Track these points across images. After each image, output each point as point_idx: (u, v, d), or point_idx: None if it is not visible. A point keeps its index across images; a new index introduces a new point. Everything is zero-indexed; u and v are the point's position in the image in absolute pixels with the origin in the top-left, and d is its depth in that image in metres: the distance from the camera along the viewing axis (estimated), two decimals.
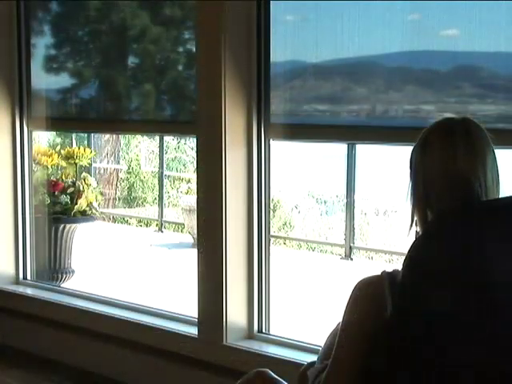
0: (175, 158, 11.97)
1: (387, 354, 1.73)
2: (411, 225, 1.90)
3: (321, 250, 9.57)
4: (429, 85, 3.18)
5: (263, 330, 3.65)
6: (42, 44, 4.62)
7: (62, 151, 6.13)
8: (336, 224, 9.77)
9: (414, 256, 1.73)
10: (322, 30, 3.38)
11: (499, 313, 1.68)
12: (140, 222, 11.44)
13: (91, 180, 6.11)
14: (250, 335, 3.64)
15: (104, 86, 4.45)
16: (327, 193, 10.43)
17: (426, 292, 1.69)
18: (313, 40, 3.40)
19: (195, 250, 3.70)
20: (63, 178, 5.94)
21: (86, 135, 10.71)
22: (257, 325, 3.64)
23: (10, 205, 4.60)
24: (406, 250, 1.75)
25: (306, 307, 6.36)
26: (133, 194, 12.03)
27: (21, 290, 4.61)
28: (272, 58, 3.51)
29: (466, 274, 1.68)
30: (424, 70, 3.21)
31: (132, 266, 8.01)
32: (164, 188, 10.91)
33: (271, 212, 3.79)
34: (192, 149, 10.93)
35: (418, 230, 1.89)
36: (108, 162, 12.13)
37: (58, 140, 10.81)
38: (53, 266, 5.76)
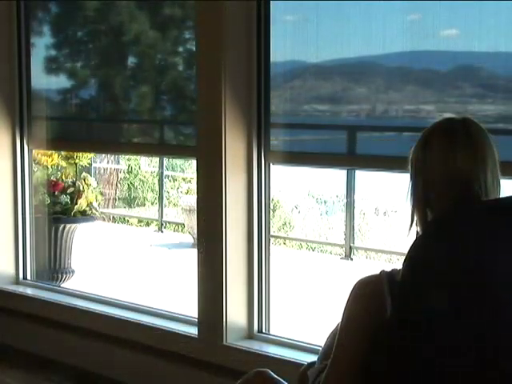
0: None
1: (387, 354, 1.74)
2: (411, 225, 1.90)
3: (321, 250, 9.56)
4: (429, 85, 3.18)
5: (263, 330, 3.65)
6: (41, 44, 4.62)
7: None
8: (336, 224, 9.77)
9: (413, 256, 1.73)
10: (321, 30, 3.38)
11: (499, 312, 1.68)
12: (140, 221, 11.44)
13: (91, 180, 6.11)
14: (249, 335, 3.64)
15: (103, 86, 4.45)
16: (327, 193, 10.43)
17: (426, 292, 1.69)
18: (313, 40, 3.40)
19: (195, 250, 3.70)
20: (63, 178, 5.94)
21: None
22: (257, 325, 3.64)
23: (10, 205, 4.60)
24: (405, 249, 1.75)
25: (305, 307, 6.36)
26: (133, 194, 12.03)
27: (21, 290, 4.61)
28: (272, 58, 3.51)
29: (466, 273, 1.68)
30: (424, 69, 3.21)
31: (132, 266, 8.01)
32: (164, 188, 10.91)
33: (271, 212, 3.79)
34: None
35: (418, 230, 1.89)
36: (108, 161, 12.13)
37: None
38: (53, 266, 5.76)
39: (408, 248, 1.75)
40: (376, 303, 1.76)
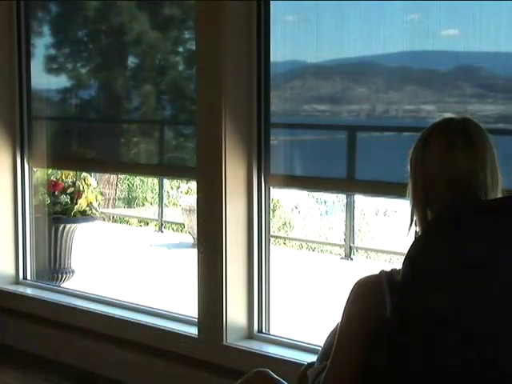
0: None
1: (387, 353, 1.73)
2: (411, 225, 1.90)
3: (321, 250, 9.56)
4: (429, 85, 3.18)
5: (263, 330, 3.65)
6: (41, 44, 4.62)
7: None
8: (336, 224, 9.77)
9: (413, 255, 1.73)
10: (322, 30, 3.38)
11: (499, 312, 1.68)
12: (140, 222, 11.44)
13: (91, 180, 6.11)
14: (249, 335, 3.64)
15: (103, 87, 4.45)
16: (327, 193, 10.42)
17: (426, 291, 1.69)
18: (313, 40, 3.40)
19: (195, 250, 3.70)
20: (63, 178, 5.94)
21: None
22: (257, 325, 3.64)
23: (10, 205, 4.60)
24: (405, 249, 1.75)
25: (305, 307, 6.36)
26: (133, 194, 12.03)
27: (21, 289, 4.61)
28: (272, 58, 3.51)
29: (466, 273, 1.68)
30: (424, 70, 3.21)
31: (132, 265, 8.01)
32: (164, 188, 10.91)
33: (271, 212, 3.80)
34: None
35: (418, 230, 1.89)
36: None
37: None
38: (53, 266, 5.76)
39: (408, 248, 1.75)
40: (376, 303, 1.76)
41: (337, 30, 3.32)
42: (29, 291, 4.59)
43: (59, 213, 5.78)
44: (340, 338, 1.83)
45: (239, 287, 3.60)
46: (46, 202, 5.55)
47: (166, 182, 11.25)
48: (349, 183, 3.45)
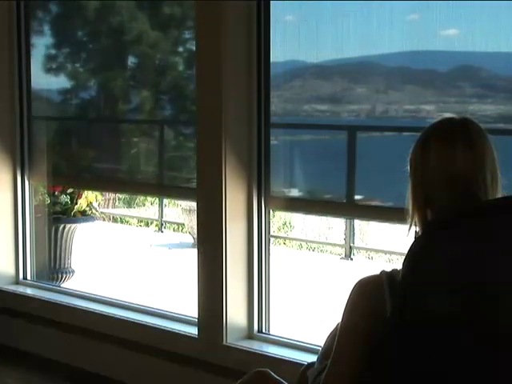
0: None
1: (386, 354, 1.73)
2: (411, 225, 1.90)
3: (321, 250, 9.57)
4: (429, 85, 3.18)
5: (263, 330, 3.65)
6: (41, 44, 4.62)
7: None
8: (336, 224, 9.77)
9: (413, 256, 1.73)
10: (322, 30, 3.38)
11: (499, 312, 1.68)
12: (140, 221, 11.44)
13: None
14: (249, 335, 3.64)
15: (103, 87, 4.45)
16: None
17: (426, 292, 1.69)
18: (313, 40, 3.40)
19: (195, 250, 3.70)
20: None
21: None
22: (257, 325, 3.64)
23: (10, 205, 4.60)
24: (405, 249, 1.75)
25: (305, 307, 6.36)
26: None
27: (21, 289, 4.60)
28: (272, 58, 3.51)
29: (466, 273, 1.68)
30: (424, 70, 3.21)
31: (132, 265, 8.01)
32: None
33: (271, 212, 3.80)
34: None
35: (418, 230, 1.89)
36: None
37: None
38: (53, 266, 5.77)
39: (408, 248, 1.75)
40: (376, 303, 1.76)
41: (337, 30, 3.32)
42: (29, 291, 4.59)
43: (59, 213, 5.78)
44: (340, 338, 1.83)
45: (239, 287, 3.60)
46: (46, 202, 5.55)
47: None
48: (349, 207, 3.47)
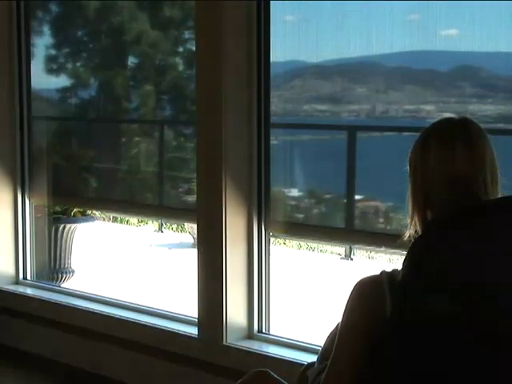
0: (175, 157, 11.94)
1: (386, 354, 1.73)
2: (411, 225, 1.90)
3: (321, 250, 9.56)
4: (429, 85, 3.19)
5: (263, 330, 3.65)
6: (41, 44, 4.62)
7: None
8: None
9: (414, 256, 1.73)
10: (321, 30, 3.38)
11: (499, 312, 1.68)
12: (140, 221, 11.43)
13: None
14: (249, 335, 3.64)
15: (103, 87, 4.45)
16: None
17: (426, 292, 1.69)
18: (313, 40, 3.40)
19: (195, 250, 3.70)
20: None
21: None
22: (257, 325, 3.64)
23: (10, 205, 4.60)
24: (405, 250, 1.75)
25: (305, 307, 6.36)
26: None
27: (21, 289, 4.61)
28: (272, 58, 3.51)
29: (466, 273, 1.68)
30: (424, 70, 3.21)
31: (132, 265, 8.01)
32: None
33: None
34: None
35: (418, 230, 1.89)
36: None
37: None
38: (53, 266, 5.76)
39: (408, 248, 1.75)
40: (376, 304, 1.76)
41: (337, 30, 3.32)
42: (29, 291, 4.59)
43: (59, 213, 5.77)
44: (340, 338, 1.83)
45: (239, 287, 3.60)
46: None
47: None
48: (348, 233, 3.49)
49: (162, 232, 10.32)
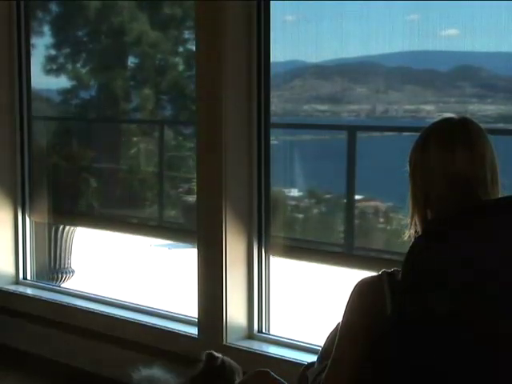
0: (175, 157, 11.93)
1: (386, 354, 1.73)
2: (411, 225, 1.90)
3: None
4: (429, 85, 3.19)
5: (263, 330, 3.65)
6: (41, 44, 4.62)
7: None
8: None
9: (413, 256, 1.73)
10: (321, 30, 3.38)
11: (499, 312, 1.68)
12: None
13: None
14: (250, 335, 3.64)
15: (103, 87, 4.46)
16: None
17: (426, 292, 1.68)
18: (313, 40, 3.40)
19: (195, 250, 3.70)
20: None
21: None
22: (257, 325, 3.64)
23: (10, 205, 4.60)
24: (405, 250, 1.75)
25: (305, 307, 6.36)
26: None
27: (21, 289, 4.60)
28: (272, 58, 3.51)
29: (466, 273, 1.68)
30: (424, 70, 3.22)
31: (132, 265, 8.00)
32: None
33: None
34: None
35: (418, 230, 1.89)
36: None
37: None
38: (53, 266, 5.75)
39: (408, 248, 1.74)
40: (376, 303, 1.76)
41: (337, 30, 3.32)
42: (29, 291, 4.59)
43: None
44: (341, 338, 1.83)
45: (239, 287, 3.59)
46: None
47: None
48: (347, 256, 3.58)
49: None
